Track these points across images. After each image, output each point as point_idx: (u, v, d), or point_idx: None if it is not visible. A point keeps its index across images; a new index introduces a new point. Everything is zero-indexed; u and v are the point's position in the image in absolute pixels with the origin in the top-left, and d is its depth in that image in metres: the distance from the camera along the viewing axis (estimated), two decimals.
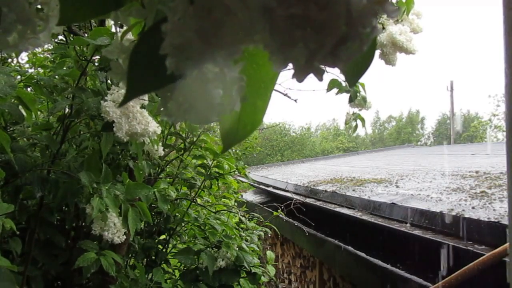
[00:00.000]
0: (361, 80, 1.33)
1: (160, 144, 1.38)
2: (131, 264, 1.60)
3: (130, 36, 0.39)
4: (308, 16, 0.19)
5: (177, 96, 0.27)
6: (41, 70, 1.64)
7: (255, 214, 2.19)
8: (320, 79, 0.22)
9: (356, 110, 1.47)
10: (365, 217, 1.82)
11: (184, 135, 1.68)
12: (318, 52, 0.20)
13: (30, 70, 1.68)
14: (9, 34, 0.34)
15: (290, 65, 0.22)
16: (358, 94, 1.32)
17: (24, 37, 0.36)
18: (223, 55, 0.22)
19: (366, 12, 0.20)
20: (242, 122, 0.34)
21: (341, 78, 1.30)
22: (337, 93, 1.29)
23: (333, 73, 1.26)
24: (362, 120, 1.52)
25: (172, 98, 0.27)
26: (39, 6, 0.37)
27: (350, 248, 1.76)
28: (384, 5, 0.20)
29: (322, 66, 0.21)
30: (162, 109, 0.28)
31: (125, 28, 0.40)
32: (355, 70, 0.35)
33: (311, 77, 0.23)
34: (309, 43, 0.20)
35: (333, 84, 1.28)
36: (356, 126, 1.53)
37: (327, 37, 0.20)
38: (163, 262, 1.68)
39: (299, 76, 0.21)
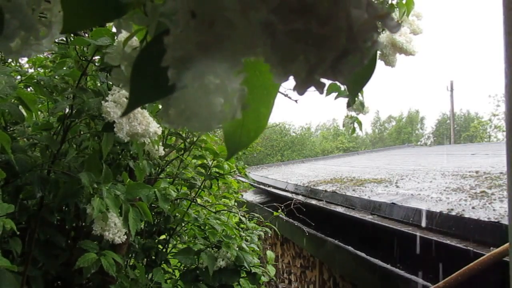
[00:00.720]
0: None
1: (161, 144, 1.38)
2: (131, 264, 1.60)
3: (133, 42, 0.39)
4: (309, 31, 0.20)
5: (178, 104, 0.27)
6: (41, 70, 1.64)
7: (255, 214, 2.19)
8: (321, 92, 0.22)
9: (354, 113, 1.48)
10: (365, 217, 1.82)
11: (184, 135, 1.69)
12: (318, 66, 0.21)
13: (30, 70, 1.68)
14: (11, 40, 0.34)
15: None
16: (356, 99, 1.33)
17: (27, 43, 0.36)
18: (224, 67, 0.23)
19: (367, 26, 0.20)
20: (245, 129, 0.34)
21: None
22: (336, 98, 1.29)
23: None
24: (359, 123, 1.53)
25: (173, 106, 0.27)
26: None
27: (350, 248, 1.76)
28: (385, 19, 0.20)
29: (323, 79, 0.22)
30: (163, 116, 0.28)
31: (124, 33, 0.40)
32: (357, 82, 0.36)
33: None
34: (309, 57, 0.20)
35: (332, 88, 1.28)
36: (354, 129, 1.54)
37: (328, 51, 0.20)
38: (163, 262, 1.68)
39: (300, 89, 0.22)
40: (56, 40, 1.40)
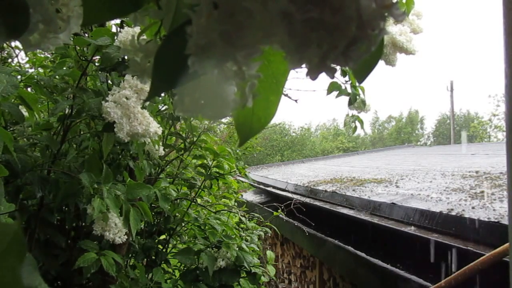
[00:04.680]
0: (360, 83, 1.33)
1: (161, 144, 1.38)
2: (131, 264, 1.60)
3: (143, 36, 0.40)
4: (323, 20, 0.21)
5: (193, 92, 0.29)
6: (41, 70, 1.64)
7: (255, 214, 2.19)
8: (332, 77, 0.24)
9: (355, 112, 1.48)
10: (365, 217, 1.82)
11: (184, 135, 1.69)
12: (331, 53, 0.22)
13: (30, 70, 1.68)
14: (31, 34, 0.36)
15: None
16: (357, 97, 1.32)
17: (46, 36, 0.38)
18: (244, 55, 0.24)
19: (375, 15, 0.22)
20: (256, 116, 0.36)
21: (341, 80, 1.30)
22: (337, 96, 1.29)
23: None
24: (361, 122, 1.53)
25: (189, 94, 0.29)
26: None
27: (350, 248, 1.76)
28: (392, 9, 0.22)
29: (334, 65, 0.23)
30: (178, 104, 0.30)
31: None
32: (364, 69, 0.38)
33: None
34: (323, 44, 0.22)
35: (333, 87, 1.28)
36: (356, 127, 1.53)
37: (339, 38, 0.22)
38: (163, 262, 1.68)
39: (313, 74, 0.23)
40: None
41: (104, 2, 0.34)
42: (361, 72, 0.39)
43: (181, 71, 0.28)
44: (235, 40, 0.23)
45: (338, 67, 0.25)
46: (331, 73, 0.23)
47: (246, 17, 0.23)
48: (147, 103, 1.05)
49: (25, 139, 1.25)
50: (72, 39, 1.07)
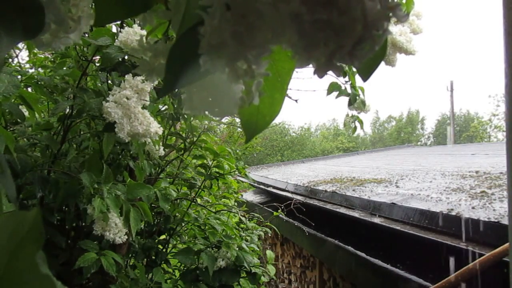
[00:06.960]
0: (361, 84, 1.34)
1: (161, 144, 1.38)
2: (131, 264, 1.60)
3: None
4: (331, 21, 0.23)
5: (201, 91, 0.30)
6: (41, 70, 1.64)
7: (255, 214, 2.19)
8: (338, 75, 0.25)
9: (355, 112, 1.48)
10: (365, 217, 1.82)
11: (184, 135, 1.69)
12: (337, 52, 0.23)
13: (31, 70, 1.68)
14: (43, 34, 0.37)
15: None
16: (357, 97, 1.33)
17: (57, 36, 0.39)
18: (255, 54, 0.25)
19: (379, 16, 0.23)
20: (261, 114, 0.37)
21: (341, 81, 1.30)
22: (337, 97, 1.29)
23: (333, 75, 1.26)
24: (361, 122, 1.53)
25: (197, 93, 0.30)
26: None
27: (350, 248, 1.77)
28: (395, 10, 0.23)
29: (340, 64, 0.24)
30: (187, 102, 0.31)
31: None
32: (368, 67, 0.39)
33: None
34: (330, 44, 0.23)
35: (333, 87, 1.28)
36: (355, 127, 1.53)
37: (346, 38, 0.23)
38: (163, 262, 1.68)
39: (320, 73, 0.25)
40: None
41: (115, 3, 0.35)
42: (366, 71, 0.40)
43: (193, 69, 0.29)
44: (246, 40, 0.24)
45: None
46: (337, 71, 0.24)
47: (257, 18, 0.24)
48: (148, 103, 1.05)
49: (25, 139, 1.25)
50: None
